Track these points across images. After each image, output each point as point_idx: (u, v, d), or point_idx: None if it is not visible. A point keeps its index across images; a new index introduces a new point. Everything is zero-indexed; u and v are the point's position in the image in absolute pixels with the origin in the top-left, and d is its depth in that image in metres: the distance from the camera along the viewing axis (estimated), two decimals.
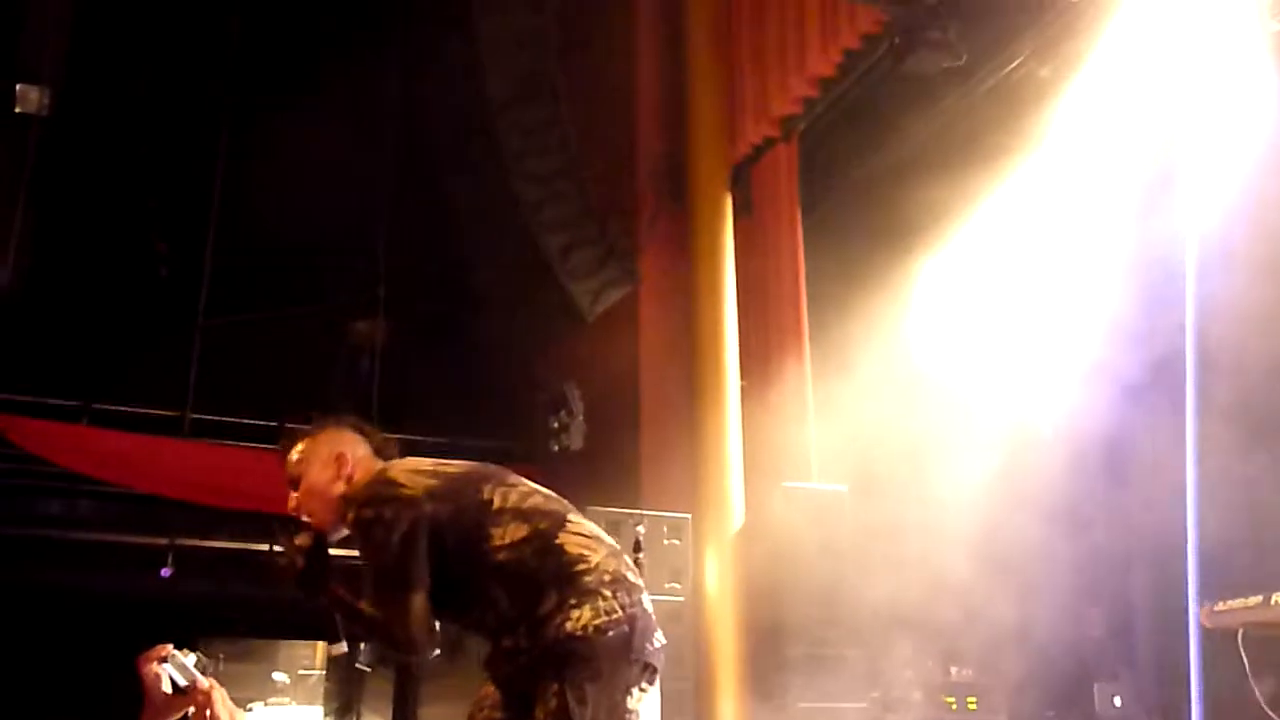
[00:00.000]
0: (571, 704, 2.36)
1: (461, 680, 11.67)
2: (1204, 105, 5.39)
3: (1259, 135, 5.23)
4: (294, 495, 2.78)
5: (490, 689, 2.69)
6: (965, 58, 5.56)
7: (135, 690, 2.00)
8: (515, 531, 2.54)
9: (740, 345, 6.51)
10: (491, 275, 9.21)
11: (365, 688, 16.31)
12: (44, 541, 9.46)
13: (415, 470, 2.67)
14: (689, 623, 5.82)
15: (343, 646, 2.69)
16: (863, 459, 6.07)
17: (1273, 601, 4.25)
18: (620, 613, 2.46)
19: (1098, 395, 6.46)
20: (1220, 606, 4.44)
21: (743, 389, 6.40)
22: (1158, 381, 6.15)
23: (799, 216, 6.80)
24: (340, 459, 2.76)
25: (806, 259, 6.71)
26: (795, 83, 6.31)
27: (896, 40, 5.52)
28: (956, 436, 6.33)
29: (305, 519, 2.76)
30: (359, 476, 2.73)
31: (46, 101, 7.00)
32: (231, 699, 2.04)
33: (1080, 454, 6.45)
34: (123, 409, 9.18)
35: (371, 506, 2.57)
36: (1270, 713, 4.32)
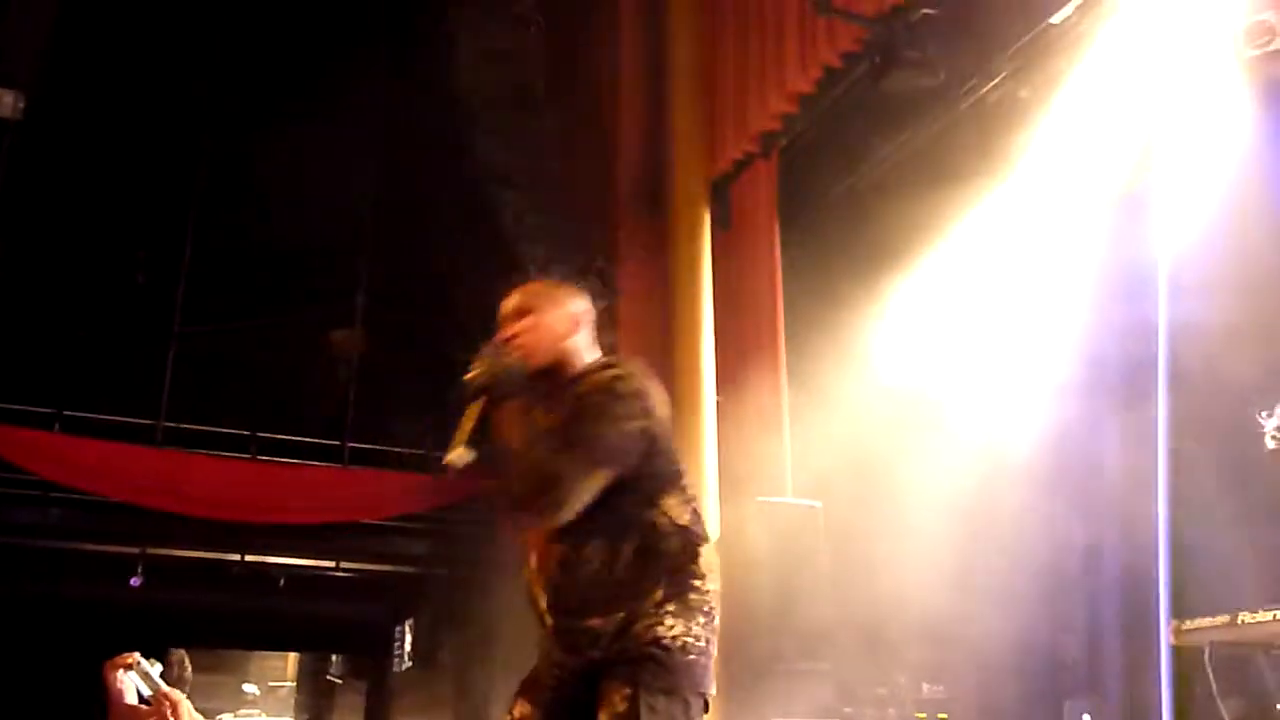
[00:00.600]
0: (643, 711, 2.33)
1: (433, 694, 11.64)
2: (1179, 128, 5.45)
3: (1232, 158, 5.30)
4: (518, 323, 2.68)
5: (540, 678, 2.59)
6: (944, 77, 5.60)
7: (103, 698, 1.98)
8: (680, 513, 2.53)
9: (717, 359, 6.52)
10: (471, 285, 9.20)
11: (336, 700, 16.23)
12: (14, 549, 9.38)
13: (659, 393, 2.63)
14: None
15: (467, 456, 2.51)
16: (837, 475, 6.08)
17: (1239, 620, 4.29)
18: (705, 644, 2.47)
19: (1071, 415, 6.51)
20: (1188, 625, 4.48)
21: (719, 403, 6.41)
22: (1130, 401, 6.20)
23: (777, 232, 6.82)
24: (577, 321, 2.73)
25: (784, 275, 6.73)
26: (775, 99, 6.34)
27: (876, 59, 5.55)
28: (930, 454, 6.36)
29: (518, 346, 2.66)
30: (580, 349, 2.71)
31: (20, 105, 6.96)
32: (200, 710, 2.02)
33: (1053, 472, 6.48)
34: (96, 416, 9.13)
35: (634, 383, 2.55)
36: None
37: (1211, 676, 4.29)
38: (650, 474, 2.53)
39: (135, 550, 9.64)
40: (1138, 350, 5.49)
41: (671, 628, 2.43)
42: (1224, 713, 4.31)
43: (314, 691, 16.74)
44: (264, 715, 16.88)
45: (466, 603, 10.00)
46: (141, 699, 1.97)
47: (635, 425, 2.50)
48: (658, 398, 2.59)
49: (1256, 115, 5.32)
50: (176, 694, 1.97)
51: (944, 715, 6.40)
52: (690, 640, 2.44)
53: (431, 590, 11.39)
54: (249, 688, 17.09)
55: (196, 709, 2.00)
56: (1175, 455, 4.63)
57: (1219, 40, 5.14)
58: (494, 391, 2.56)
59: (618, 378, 2.57)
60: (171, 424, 9.43)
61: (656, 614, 2.44)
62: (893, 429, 6.43)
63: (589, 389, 2.57)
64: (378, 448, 10.10)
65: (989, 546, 6.05)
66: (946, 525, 6.09)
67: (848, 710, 5.97)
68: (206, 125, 9.87)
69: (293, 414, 9.98)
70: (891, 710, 6.31)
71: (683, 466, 2.63)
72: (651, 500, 2.52)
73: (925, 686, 6.47)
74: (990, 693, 6.57)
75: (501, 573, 8.85)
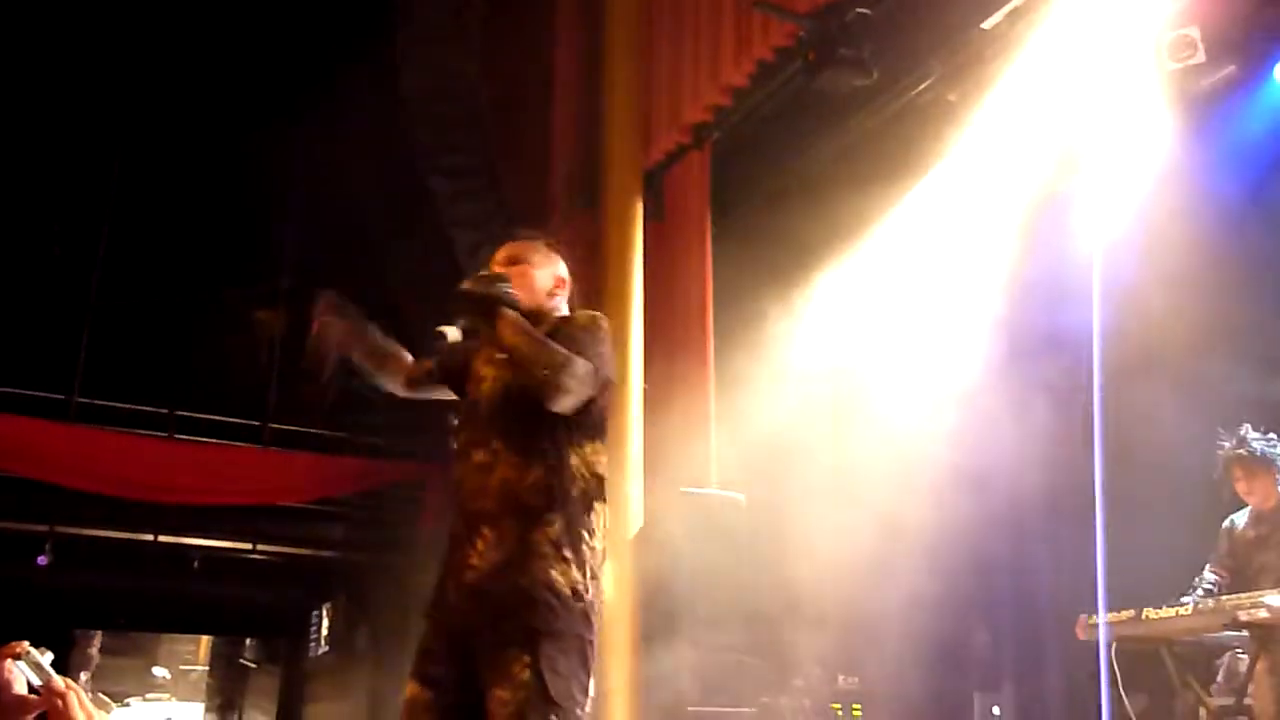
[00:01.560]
0: (547, 677, 2.35)
1: (348, 679, 11.52)
2: (1104, 135, 5.58)
3: (1154, 167, 5.45)
4: (507, 269, 2.83)
5: (429, 648, 2.58)
6: (876, 77, 5.66)
7: None
8: (594, 462, 2.63)
9: (645, 349, 6.54)
10: (400, 270, 9.11)
11: (249, 684, 15.99)
12: None
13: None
14: None
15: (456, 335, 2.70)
16: (761, 467, 6.13)
17: (1144, 616, 4.42)
18: (591, 594, 2.51)
19: (997, 410, 6.64)
20: (1093, 620, 4.59)
21: (646, 392, 6.42)
22: (1059, 398, 6.34)
23: (709, 224, 6.85)
24: (562, 282, 2.94)
25: (716, 266, 6.76)
26: (708, 90, 6.36)
27: (809, 55, 5.59)
28: (852, 448, 6.44)
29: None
30: (557, 310, 2.89)
31: None
32: (108, 694, 1.96)
33: (979, 469, 6.61)
34: (7, 390, 8.88)
35: (606, 329, 2.75)
36: None
37: (1118, 671, 4.41)
38: (587, 416, 2.61)
39: (43, 528, 9.39)
40: (1069, 344, 5.60)
41: (563, 573, 2.46)
42: (1130, 708, 4.43)
43: (226, 676, 16.49)
44: (174, 699, 16.57)
45: (383, 588, 9.92)
46: (32, 689, 1.90)
47: (602, 365, 2.62)
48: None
49: (1178, 126, 5.47)
50: (69, 684, 1.91)
51: (858, 706, 6.50)
52: (580, 588, 2.48)
53: (348, 575, 11.27)
54: (159, 671, 16.76)
55: (104, 692, 1.94)
56: (1108, 452, 4.75)
57: (1143, 52, 5.27)
58: (496, 290, 2.67)
59: (597, 319, 2.74)
60: (86, 399, 9.21)
61: (549, 555, 2.47)
62: (815, 422, 6.50)
63: (573, 322, 2.74)
64: (299, 429, 9.96)
65: (906, 539, 6.14)
66: (865, 518, 6.17)
67: (764, 700, 6.03)
68: (131, 95, 9.62)
69: (213, 393, 9.80)
70: (807, 701, 6.38)
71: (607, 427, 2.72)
72: (575, 440, 2.60)
73: (840, 677, 6.56)
74: (903, 684, 6.68)
75: (418, 559, 8.79)
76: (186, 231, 9.45)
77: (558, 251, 2.98)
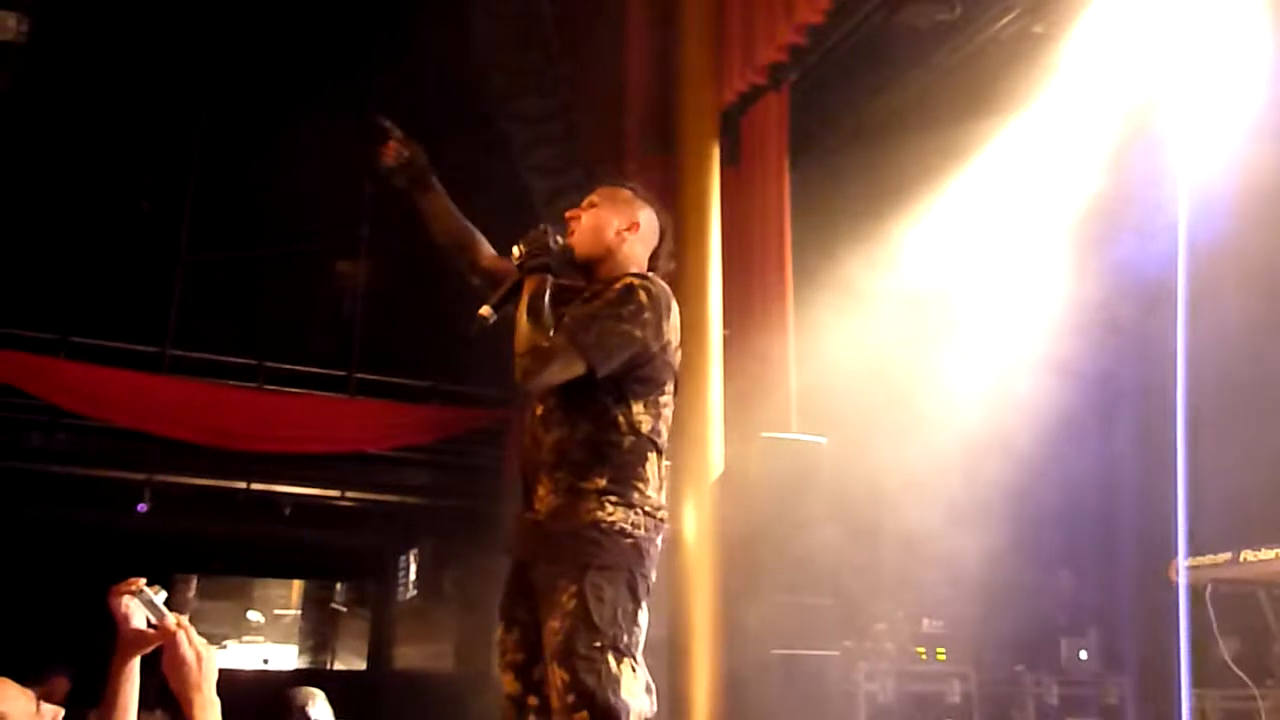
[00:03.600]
0: (590, 601, 2.45)
1: (435, 623, 11.77)
2: (1196, 67, 5.38)
3: (1252, 97, 5.24)
4: (583, 212, 2.86)
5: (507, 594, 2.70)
6: (959, 11, 5.52)
7: (111, 623, 2.00)
8: (643, 420, 2.67)
9: (724, 295, 6.50)
10: (477, 219, 9.15)
11: (340, 628, 16.45)
12: (23, 474, 9.44)
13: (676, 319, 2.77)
14: (664, 568, 5.86)
15: (490, 316, 2.69)
16: (844, 411, 6.09)
17: (1242, 559, 4.32)
18: (645, 531, 2.59)
19: (1084, 352, 6.51)
20: (1190, 563, 4.51)
21: (726, 338, 6.40)
22: (1147, 341, 6.19)
23: (787, 166, 6.76)
24: (636, 227, 2.87)
25: (794, 209, 6.68)
26: (783, 30, 6.25)
27: None
28: (940, 391, 6.37)
29: (571, 231, 2.84)
30: (630, 256, 2.85)
31: (24, 29, 6.87)
32: (205, 635, 2.03)
33: (1065, 411, 6.50)
34: (102, 343, 9.14)
35: (648, 296, 2.67)
36: (1235, 669, 4.40)
37: (1212, 614, 4.33)
38: (631, 379, 2.65)
39: (142, 477, 9.69)
40: (1158, 283, 5.45)
41: (611, 514, 2.55)
42: (1224, 651, 4.36)
43: (318, 619, 16.95)
44: (268, 642, 17.10)
45: (468, 533, 10.08)
46: (149, 624, 1.98)
47: (630, 331, 2.61)
48: (670, 320, 2.71)
49: (1274, 52, 5.25)
50: (181, 621, 1.99)
51: (942, 650, 6.48)
52: (628, 526, 2.55)
53: (434, 520, 11.48)
54: (253, 615, 17.30)
55: (201, 634, 2.02)
56: (1193, 396, 4.62)
57: None
58: (529, 261, 2.69)
59: (635, 286, 2.68)
60: (178, 352, 9.45)
61: (598, 500, 2.56)
62: (898, 365, 6.44)
63: (611, 286, 2.70)
64: (383, 379, 10.12)
65: (991, 482, 6.08)
66: (951, 465, 6.12)
67: (848, 643, 6.05)
68: (218, 47, 9.74)
69: (299, 344, 9.99)
70: (890, 644, 6.39)
71: (671, 390, 2.74)
72: (622, 399, 2.64)
73: (925, 621, 6.55)
74: (988, 629, 6.64)
75: (502, 503, 8.92)
76: (270, 184, 9.58)
77: (645, 200, 2.93)
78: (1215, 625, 4.32)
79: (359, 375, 10.05)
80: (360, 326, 10.39)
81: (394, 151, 2.94)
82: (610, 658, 2.42)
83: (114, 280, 9.32)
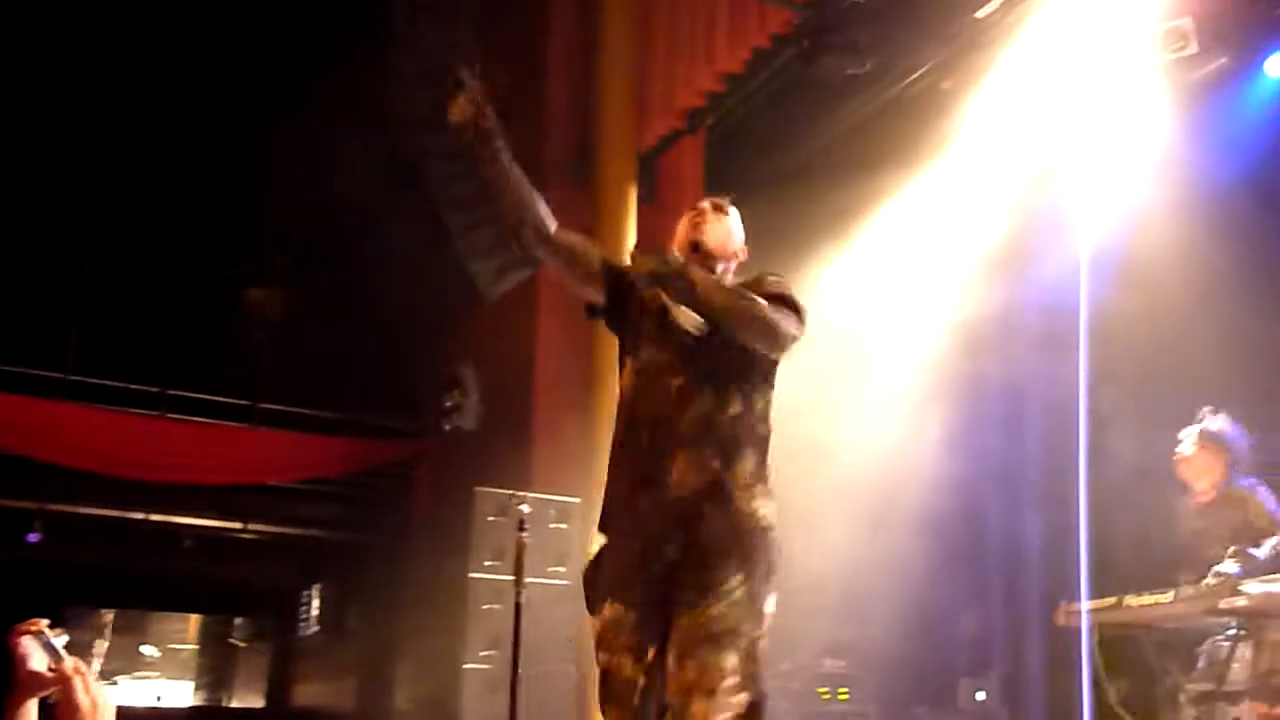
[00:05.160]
0: (758, 599, 2.54)
1: (338, 660, 11.55)
2: (1096, 127, 5.60)
3: (1146, 155, 5.48)
4: (715, 215, 2.99)
5: (626, 576, 2.65)
6: (871, 65, 5.68)
7: (6, 660, 1.95)
8: (771, 409, 2.79)
9: None
10: (391, 251, 9.10)
11: (238, 664, 16.03)
12: None
13: None
14: (573, 606, 5.85)
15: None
16: None
17: (1125, 603, 4.46)
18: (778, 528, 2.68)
19: (986, 405, 6.68)
20: (1073, 606, 4.64)
21: None
22: (1052, 385, 6.37)
23: None
24: (744, 255, 3.06)
25: None
26: (703, 76, 6.38)
27: (805, 43, 5.61)
28: (844, 434, 6.47)
29: (703, 223, 2.94)
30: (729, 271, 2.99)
31: None
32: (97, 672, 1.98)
33: (971, 457, 6.65)
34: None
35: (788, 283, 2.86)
36: (1120, 712, 4.53)
37: (1098, 657, 4.46)
38: (775, 371, 2.78)
39: (34, 505, 9.38)
40: (1060, 330, 5.62)
41: (766, 506, 2.63)
42: (1111, 694, 4.48)
43: (216, 655, 16.51)
44: (163, 677, 16.60)
45: (374, 568, 9.94)
46: (48, 667, 1.94)
47: (803, 313, 2.75)
48: None
49: (1171, 116, 5.50)
50: (78, 666, 1.94)
51: (844, 690, 6.55)
52: (774, 519, 2.65)
53: (339, 555, 11.29)
54: (148, 649, 16.79)
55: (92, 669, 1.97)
56: (1094, 446, 4.77)
57: (1137, 43, 5.29)
58: (657, 276, 2.69)
59: (783, 279, 2.86)
60: (78, 377, 9.19)
61: (749, 487, 2.62)
62: (804, 407, 6.52)
63: (762, 281, 2.81)
64: (290, 409, 9.96)
65: (895, 525, 6.19)
66: (857, 511, 6.21)
67: None
68: (126, 72, 9.57)
69: (204, 372, 9.80)
70: (795, 684, 6.44)
71: None
72: (768, 386, 2.76)
73: (827, 661, 6.62)
74: (890, 670, 6.74)
75: (409, 540, 8.82)
76: (180, 209, 9.42)
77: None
78: (1102, 668, 4.44)
79: (264, 405, 9.88)
80: (268, 356, 10.23)
81: (463, 106, 2.86)
82: (762, 645, 2.53)
83: (13, 303, 9.05)
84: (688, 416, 2.63)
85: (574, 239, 2.88)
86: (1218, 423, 4.68)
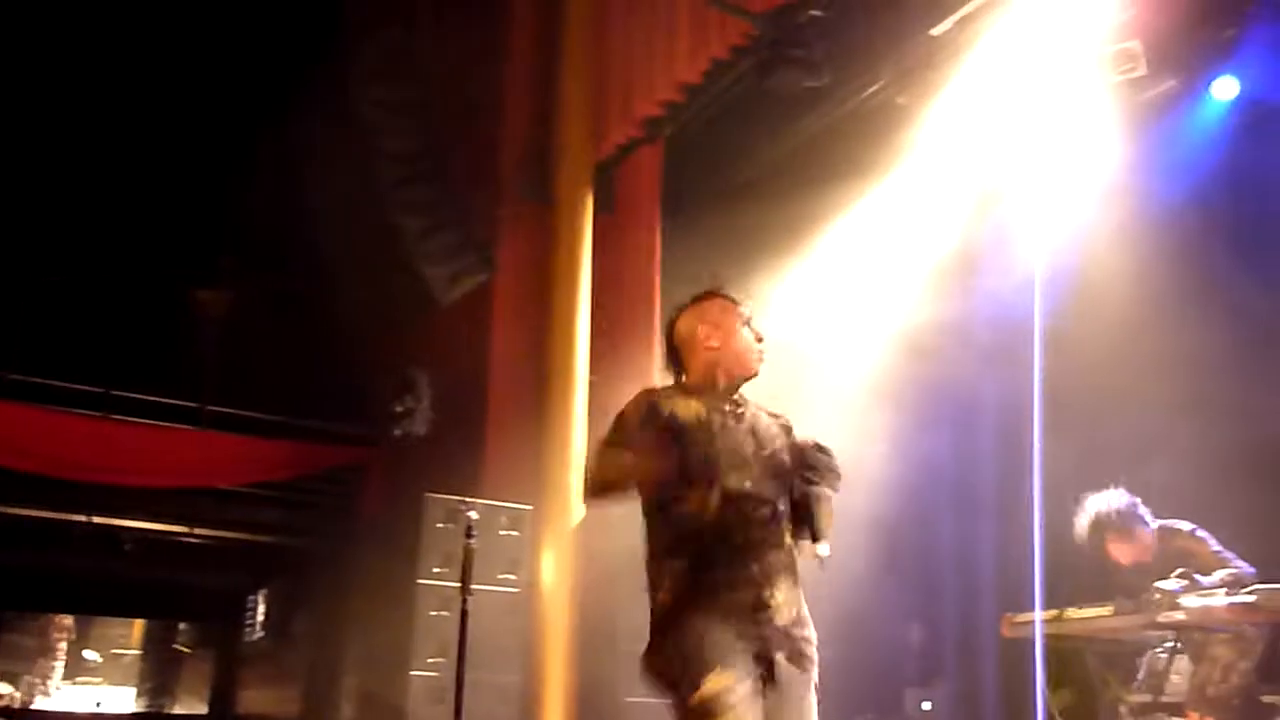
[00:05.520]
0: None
1: (283, 665, 11.42)
2: (1047, 146, 5.68)
3: (1096, 174, 5.57)
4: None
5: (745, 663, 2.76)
6: (827, 79, 5.72)
7: None
8: None
9: (592, 341, 6.56)
10: (344, 254, 9.03)
11: (183, 670, 15.78)
12: None
13: None
14: (523, 615, 5.82)
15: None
16: None
17: (1066, 615, 4.52)
18: None
19: (938, 413, 6.73)
20: (1018, 618, 4.70)
21: (592, 384, 6.44)
22: (1000, 400, 6.44)
23: (659, 218, 6.89)
24: None
25: (664, 262, 6.79)
26: (661, 86, 6.39)
27: (763, 55, 5.64)
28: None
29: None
30: None
31: None
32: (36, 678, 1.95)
33: (922, 468, 6.70)
34: None
35: None
36: None
37: (1040, 668, 4.52)
38: None
39: None
40: (1013, 347, 5.68)
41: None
42: (1051, 705, 4.54)
43: (159, 660, 16.25)
44: (105, 684, 16.31)
45: (321, 574, 9.84)
46: None
47: None
48: None
49: (1120, 135, 5.60)
50: None
51: None
52: None
53: (286, 560, 11.17)
54: (90, 655, 16.48)
55: (32, 675, 1.94)
56: (1048, 459, 4.82)
57: (1088, 63, 5.37)
58: (817, 465, 2.96)
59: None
60: (19, 377, 9.02)
61: (808, 611, 2.91)
62: None
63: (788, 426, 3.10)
64: (237, 412, 9.84)
65: (844, 534, 6.21)
66: None
67: None
68: (71, 67, 9.43)
69: (150, 373, 9.65)
70: None
71: None
72: None
73: None
74: (836, 677, 6.75)
75: (357, 546, 8.73)
76: (128, 208, 9.29)
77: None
78: (1045, 679, 4.50)
79: (212, 408, 9.75)
80: (216, 358, 10.10)
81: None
82: None
83: None
84: (782, 546, 2.86)
85: (615, 476, 2.94)
86: (1106, 503, 4.76)
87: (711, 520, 2.80)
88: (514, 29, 7.66)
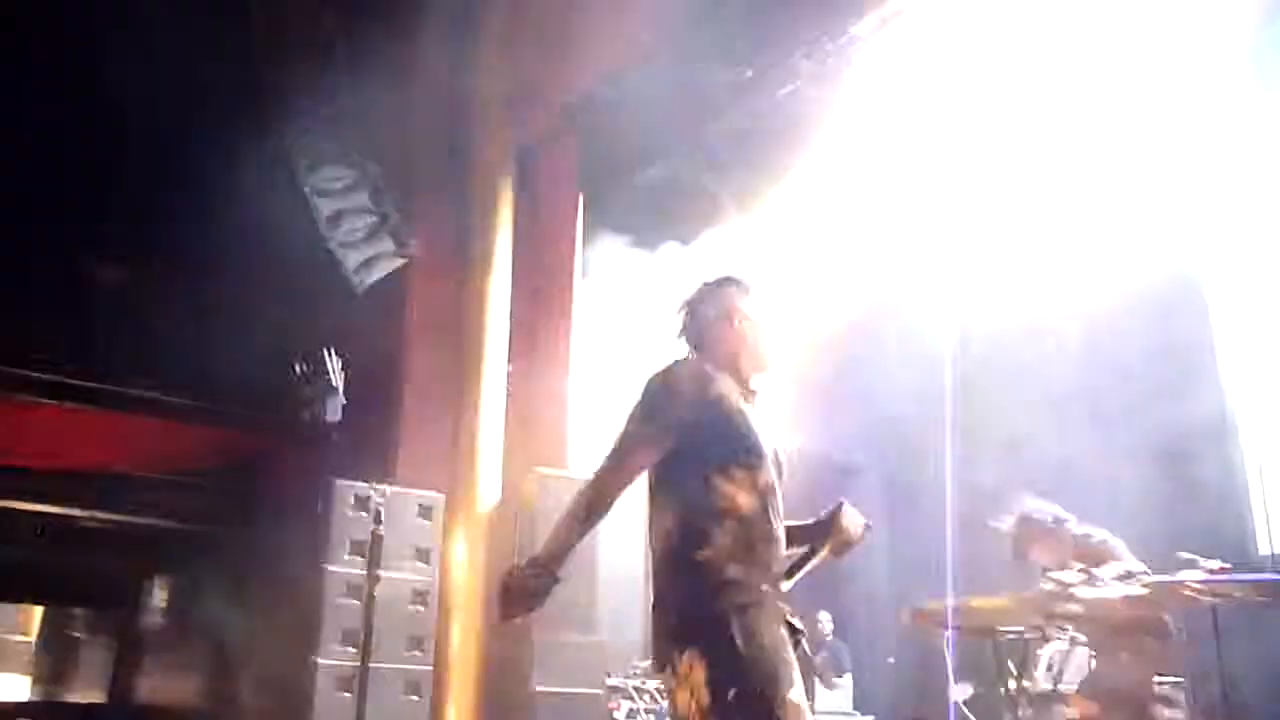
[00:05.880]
0: None
1: (184, 654, 11.18)
2: (959, 144, 5.78)
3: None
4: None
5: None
6: (751, 73, 5.75)
7: None
8: None
9: (510, 328, 6.51)
10: (254, 234, 8.82)
11: (80, 657, 15.37)
12: None
13: None
14: (433, 602, 5.77)
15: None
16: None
17: (966, 605, 4.61)
18: None
19: (849, 418, 6.81)
20: (918, 608, 4.77)
21: (509, 372, 6.39)
22: (918, 410, 6.54)
23: (578, 205, 6.86)
24: None
25: (585, 249, 6.77)
26: (581, 74, 6.37)
27: (684, 46, 5.64)
28: None
29: None
30: None
31: None
32: None
33: (821, 459, 6.78)
34: None
35: None
36: (966, 712, 4.68)
37: (947, 658, 4.59)
38: None
39: None
40: (923, 356, 5.78)
41: None
42: (956, 694, 4.62)
43: (55, 647, 15.81)
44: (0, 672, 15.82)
45: (225, 560, 9.64)
46: None
47: None
48: None
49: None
50: None
51: None
52: None
53: (189, 546, 10.92)
54: None
55: None
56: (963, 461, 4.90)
57: (997, 72, 5.49)
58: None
59: None
60: None
61: None
62: None
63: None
64: (134, 392, 9.56)
65: None
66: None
67: (611, 680, 6.09)
68: None
69: (45, 352, 9.33)
70: (652, 682, 6.47)
71: None
72: None
73: None
74: None
75: (262, 531, 8.57)
76: (14, 172, 8.93)
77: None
78: (950, 669, 4.58)
79: (111, 388, 9.46)
80: (116, 338, 9.80)
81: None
82: None
83: None
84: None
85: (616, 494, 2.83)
86: (1030, 508, 4.88)
87: (755, 510, 2.72)
88: (433, 14, 7.55)
